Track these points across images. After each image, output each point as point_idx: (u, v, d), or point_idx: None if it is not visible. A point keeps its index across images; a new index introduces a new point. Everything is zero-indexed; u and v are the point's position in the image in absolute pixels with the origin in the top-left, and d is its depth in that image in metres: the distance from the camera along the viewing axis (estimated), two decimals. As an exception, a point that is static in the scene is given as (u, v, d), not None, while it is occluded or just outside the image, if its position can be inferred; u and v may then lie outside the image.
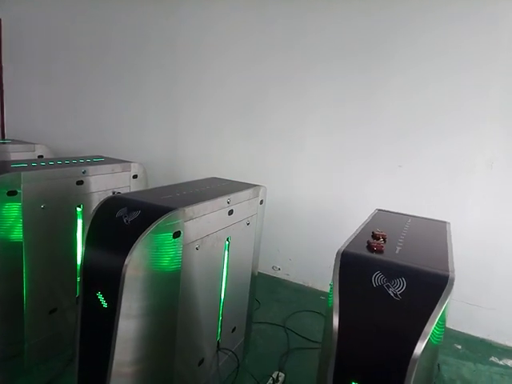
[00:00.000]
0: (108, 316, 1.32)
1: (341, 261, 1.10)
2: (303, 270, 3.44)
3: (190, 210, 1.47)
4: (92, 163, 2.30)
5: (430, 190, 2.87)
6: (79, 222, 2.18)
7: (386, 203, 2.94)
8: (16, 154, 2.73)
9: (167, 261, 1.42)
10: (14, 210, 1.81)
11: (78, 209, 2.16)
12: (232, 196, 1.79)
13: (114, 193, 2.37)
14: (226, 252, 1.83)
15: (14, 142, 2.89)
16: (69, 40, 4.30)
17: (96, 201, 2.26)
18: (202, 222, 1.57)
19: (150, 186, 2.03)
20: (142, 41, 3.88)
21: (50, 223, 2.02)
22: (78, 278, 2.24)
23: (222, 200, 1.72)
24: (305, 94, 3.22)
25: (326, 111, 3.17)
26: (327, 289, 3.39)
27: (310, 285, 3.43)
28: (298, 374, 2.21)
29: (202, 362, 1.81)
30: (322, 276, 3.36)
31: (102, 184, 2.29)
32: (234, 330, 2.11)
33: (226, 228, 1.79)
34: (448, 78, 2.74)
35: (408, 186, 2.95)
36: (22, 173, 1.82)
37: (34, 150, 2.84)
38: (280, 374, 2.14)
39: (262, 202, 2.16)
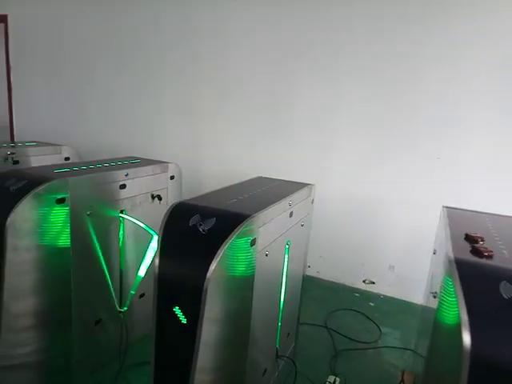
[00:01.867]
0: (187, 332, 1.24)
1: (459, 270, 1.01)
2: (334, 267, 3.38)
3: (263, 216, 1.39)
4: (131, 165, 2.20)
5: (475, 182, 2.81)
6: (122, 227, 2.09)
7: (426, 202, 2.90)
8: (43, 156, 2.62)
9: (244, 270, 1.34)
10: (61, 217, 1.71)
11: (121, 214, 2.07)
12: (292, 197, 1.71)
13: (153, 196, 2.28)
14: (287, 256, 1.76)
15: (38, 144, 2.77)
16: (79, 37, 4.16)
17: (137, 205, 2.17)
18: (270, 227, 1.49)
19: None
20: (159, 36, 3.75)
21: (95, 230, 1.92)
22: (120, 285, 2.16)
23: (285, 202, 1.64)
24: (337, 87, 3.13)
25: (359, 106, 3.08)
26: (360, 285, 3.38)
27: (342, 281, 3.37)
28: (351, 376, 2.15)
29: (265, 372, 1.74)
30: (354, 273, 3.31)
31: (143, 187, 2.20)
32: (288, 335, 2.04)
33: (287, 231, 1.71)
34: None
35: (447, 183, 2.89)
36: (69, 179, 1.72)
37: (60, 152, 2.72)
38: (336, 378, 2.08)
39: (312, 202, 2.08)
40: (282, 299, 1.81)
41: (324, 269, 3.44)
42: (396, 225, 3.10)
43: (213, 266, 1.20)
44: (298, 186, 1.95)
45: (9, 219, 1.54)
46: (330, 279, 3.40)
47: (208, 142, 3.72)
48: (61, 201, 1.69)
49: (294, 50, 3.24)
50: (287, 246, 1.75)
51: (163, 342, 1.31)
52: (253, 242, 1.34)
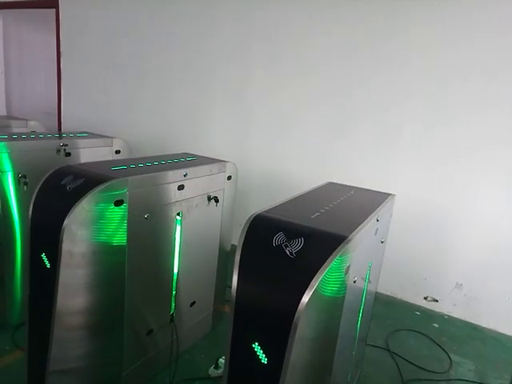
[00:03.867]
0: (269, 375, 1.05)
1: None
2: (392, 280, 3.09)
3: (358, 237, 1.16)
4: (189, 164, 2.03)
5: None
6: (178, 232, 1.92)
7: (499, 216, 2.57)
8: (94, 149, 2.50)
9: (333, 304, 1.12)
10: (118, 219, 1.56)
11: (178, 217, 1.90)
12: (380, 211, 1.47)
13: (209, 198, 2.10)
14: (367, 279, 1.53)
15: (90, 135, 2.66)
16: (133, 26, 4.04)
17: (194, 207, 1.99)
18: (361, 248, 1.26)
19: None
20: (212, 31, 3.56)
21: (152, 235, 1.77)
22: (174, 292, 2.01)
23: (373, 218, 1.40)
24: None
25: (426, 99, 2.77)
26: (420, 302, 3.08)
27: (400, 297, 3.09)
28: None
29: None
30: (415, 288, 3.02)
31: (200, 188, 2.02)
32: (358, 363, 1.81)
33: (371, 251, 1.47)
34: None
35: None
36: (129, 179, 1.56)
37: (111, 145, 2.60)
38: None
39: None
40: (358, 325, 1.59)
41: (381, 281, 3.16)
42: (469, 237, 2.78)
43: (306, 299, 0.99)
44: (380, 196, 1.70)
45: (66, 221, 1.40)
46: (388, 293, 3.13)
47: (258, 140, 3.51)
48: (119, 202, 1.54)
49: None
50: (369, 268, 1.52)
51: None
52: (347, 270, 1.12)
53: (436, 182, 2.82)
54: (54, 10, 4.51)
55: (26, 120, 2.97)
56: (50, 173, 1.57)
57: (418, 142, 2.84)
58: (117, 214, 1.55)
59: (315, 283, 0.99)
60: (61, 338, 1.49)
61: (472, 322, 2.82)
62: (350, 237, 1.10)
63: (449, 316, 2.89)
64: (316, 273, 1.00)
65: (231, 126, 3.63)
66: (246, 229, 1.16)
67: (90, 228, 1.47)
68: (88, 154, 2.46)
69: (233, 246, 2.72)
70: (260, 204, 3.41)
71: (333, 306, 1.13)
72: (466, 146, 2.69)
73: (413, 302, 3.02)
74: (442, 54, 2.68)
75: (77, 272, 1.48)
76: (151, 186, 1.69)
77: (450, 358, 2.38)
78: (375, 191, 1.80)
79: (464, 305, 2.86)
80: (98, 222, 1.49)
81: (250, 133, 3.55)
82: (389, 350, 2.38)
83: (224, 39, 3.52)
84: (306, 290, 0.99)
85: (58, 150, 2.28)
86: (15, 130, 2.84)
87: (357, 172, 3.06)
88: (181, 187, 1.86)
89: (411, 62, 2.79)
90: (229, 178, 2.25)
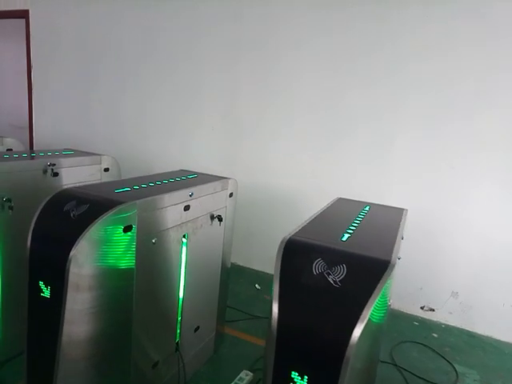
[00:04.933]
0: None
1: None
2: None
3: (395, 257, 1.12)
4: (192, 182, 1.93)
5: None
6: (184, 254, 1.82)
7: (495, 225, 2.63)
8: (82, 167, 2.34)
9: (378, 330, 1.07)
10: (125, 245, 1.44)
11: (183, 239, 1.79)
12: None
13: (212, 216, 2.00)
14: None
15: (76, 153, 2.50)
16: (107, 35, 3.90)
17: (199, 228, 1.89)
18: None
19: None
20: (200, 40, 3.49)
21: (159, 259, 1.65)
22: (180, 318, 1.89)
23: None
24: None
25: (416, 111, 2.81)
26: (417, 312, 3.09)
27: (397, 307, 3.09)
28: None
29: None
30: (411, 298, 3.03)
31: (205, 207, 1.92)
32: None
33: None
34: None
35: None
36: (138, 202, 1.45)
37: (100, 163, 2.45)
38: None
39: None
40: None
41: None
42: (463, 246, 2.83)
43: (358, 332, 0.93)
44: (395, 212, 1.68)
45: (73, 251, 1.27)
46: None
47: (246, 153, 3.45)
48: (128, 228, 1.42)
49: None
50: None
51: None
52: (389, 295, 1.07)
53: (429, 192, 2.86)
54: (24, 20, 4.29)
55: (2, 137, 2.76)
56: (49, 198, 1.43)
57: (408, 152, 2.88)
58: (125, 239, 1.43)
59: (367, 314, 0.94)
60: (65, 374, 1.35)
61: (468, 329, 2.86)
62: (392, 261, 1.05)
63: (446, 325, 2.92)
64: (366, 303, 0.95)
65: (218, 139, 3.55)
66: (280, 255, 1.09)
67: (96, 256, 1.35)
68: (76, 173, 2.30)
69: (232, 264, 2.63)
70: (253, 217, 3.30)
71: (376, 333, 1.07)
72: (457, 154, 2.75)
73: (410, 313, 3.03)
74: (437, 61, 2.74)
75: (83, 302, 1.35)
76: (159, 208, 1.58)
77: (455, 369, 2.38)
78: (388, 206, 1.78)
79: (460, 313, 2.89)
80: (105, 250, 1.37)
81: (237, 146, 3.48)
82: (395, 365, 2.36)
83: (212, 50, 3.46)
84: (357, 322, 0.93)
85: (45, 171, 2.12)
86: (-9, 148, 2.63)
87: (350, 184, 3.06)
88: (187, 208, 1.76)
89: (404, 70, 2.83)
90: (230, 195, 2.17)
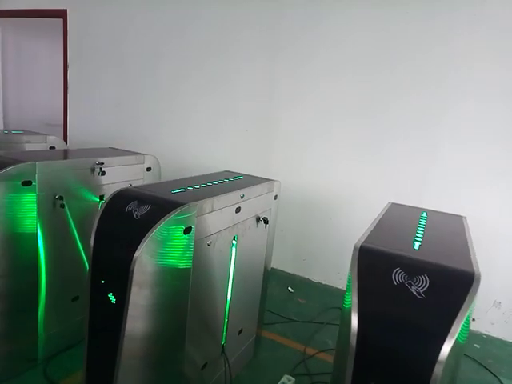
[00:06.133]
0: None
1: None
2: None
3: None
4: (241, 184, 1.92)
5: None
6: (233, 256, 1.81)
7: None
8: (126, 167, 2.36)
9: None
10: (184, 246, 1.44)
11: (233, 241, 1.78)
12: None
13: (258, 219, 1.99)
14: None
15: (122, 152, 2.52)
16: (144, 35, 3.93)
17: (247, 229, 1.88)
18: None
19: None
20: (232, 34, 3.48)
21: (212, 260, 1.64)
22: (226, 320, 1.87)
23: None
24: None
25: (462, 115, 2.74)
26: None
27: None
28: None
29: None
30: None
31: (253, 209, 1.91)
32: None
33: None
34: None
35: None
36: (198, 203, 1.44)
37: (143, 162, 2.47)
38: None
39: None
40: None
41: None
42: (506, 254, 2.74)
43: (447, 349, 0.89)
44: (455, 219, 1.63)
45: (137, 252, 1.27)
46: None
47: (281, 154, 3.42)
48: (189, 230, 1.42)
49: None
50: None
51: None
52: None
53: (474, 198, 2.78)
54: (62, 20, 4.37)
55: (46, 135, 2.81)
56: (110, 197, 1.44)
57: (459, 158, 2.81)
58: (184, 240, 1.42)
59: (456, 330, 0.90)
60: (125, 372, 1.35)
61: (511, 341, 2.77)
62: (476, 273, 1.01)
63: (487, 335, 2.83)
64: (455, 317, 0.91)
65: (253, 141, 3.53)
66: (356, 264, 1.06)
67: (158, 256, 1.35)
68: (121, 171, 2.32)
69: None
70: (286, 219, 3.24)
71: (459, 352, 1.03)
72: None
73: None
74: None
75: (144, 300, 1.35)
76: (216, 209, 1.57)
77: (501, 382, 2.30)
78: (444, 213, 1.73)
79: (503, 324, 2.80)
80: (166, 250, 1.37)
81: (272, 147, 3.46)
82: (440, 375, 2.29)
83: (248, 50, 3.44)
84: (446, 338, 0.89)
85: (93, 169, 2.14)
86: (36, 146, 2.68)
87: (389, 188, 3.00)
88: (238, 209, 1.75)
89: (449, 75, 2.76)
90: (275, 197, 2.14)
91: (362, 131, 3.09)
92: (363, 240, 1.17)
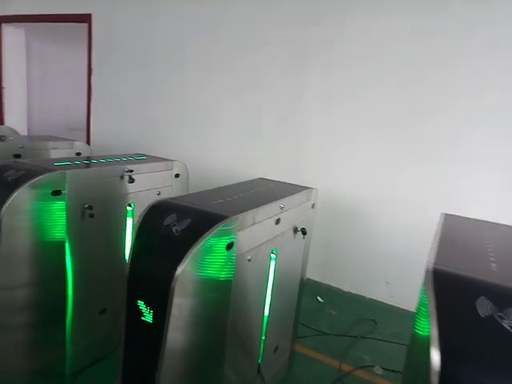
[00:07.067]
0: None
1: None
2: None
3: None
4: (278, 192, 1.80)
5: None
6: (271, 270, 1.69)
7: None
8: (155, 173, 2.27)
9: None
10: (224, 264, 1.33)
11: (272, 255, 1.67)
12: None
13: (296, 229, 1.87)
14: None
15: (150, 158, 2.44)
16: (168, 40, 3.86)
17: (286, 242, 1.76)
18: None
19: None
20: (263, 39, 3.38)
21: (252, 276, 1.54)
22: (263, 337, 1.76)
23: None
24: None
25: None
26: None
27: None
28: None
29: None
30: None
31: (291, 220, 1.79)
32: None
33: None
34: None
35: None
36: (240, 216, 1.34)
37: (171, 169, 2.38)
38: None
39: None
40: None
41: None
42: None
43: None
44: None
45: (178, 270, 1.17)
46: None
47: (311, 160, 3.30)
48: (231, 245, 1.31)
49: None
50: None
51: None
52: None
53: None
54: (87, 24, 4.35)
55: (72, 141, 2.76)
56: (146, 210, 1.34)
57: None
58: (226, 256, 1.32)
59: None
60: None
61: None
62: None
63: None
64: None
65: (279, 146, 3.42)
66: (432, 290, 0.93)
67: (199, 275, 1.25)
68: (150, 179, 2.24)
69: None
70: (319, 224, 3.11)
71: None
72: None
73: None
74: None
75: (183, 324, 1.25)
76: (257, 222, 1.46)
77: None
78: (504, 225, 1.57)
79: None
80: (207, 268, 1.26)
81: (299, 152, 3.34)
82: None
83: (275, 47, 3.33)
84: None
85: (122, 176, 2.06)
86: (62, 152, 2.63)
87: (424, 195, 2.85)
88: (278, 221, 1.64)
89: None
90: (312, 206, 2.02)
91: (398, 136, 2.94)
92: (433, 261, 1.04)
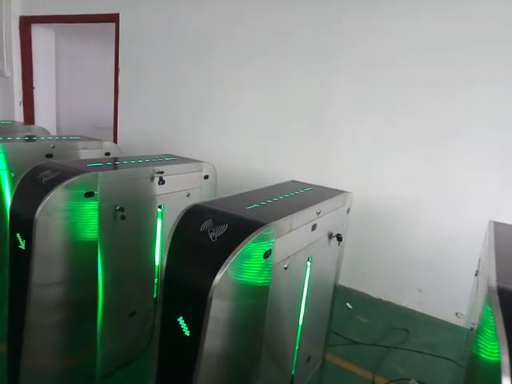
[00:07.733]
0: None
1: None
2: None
3: None
4: (313, 197, 1.73)
5: None
6: (306, 278, 1.62)
7: None
8: (184, 175, 2.24)
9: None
10: (262, 270, 1.27)
11: (308, 263, 1.60)
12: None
13: (331, 235, 1.79)
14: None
15: (179, 159, 2.41)
16: (195, 41, 3.83)
17: (321, 248, 1.69)
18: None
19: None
20: (292, 41, 3.30)
21: (286, 284, 1.47)
22: (297, 348, 1.69)
23: None
24: None
25: None
26: None
27: None
28: None
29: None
30: None
31: (327, 225, 1.71)
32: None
33: None
34: None
35: None
36: (278, 223, 1.27)
37: (201, 170, 2.34)
38: None
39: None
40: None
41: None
42: None
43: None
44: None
45: (216, 279, 1.12)
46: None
47: (339, 164, 3.20)
48: (268, 253, 1.25)
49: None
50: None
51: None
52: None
53: None
54: (114, 24, 4.37)
55: (101, 141, 2.76)
56: (181, 215, 1.29)
57: None
58: (263, 265, 1.25)
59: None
60: None
61: None
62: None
63: None
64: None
65: (307, 146, 3.34)
66: (500, 313, 0.84)
67: (236, 284, 1.19)
68: (179, 180, 2.20)
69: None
70: (349, 228, 3.02)
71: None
72: None
73: None
74: None
75: (220, 337, 1.20)
76: (294, 228, 1.39)
77: None
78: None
79: None
80: (244, 277, 1.20)
81: (328, 153, 3.25)
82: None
83: (301, 45, 3.26)
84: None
85: (152, 178, 2.03)
86: (92, 152, 2.64)
87: (456, 203, 2.71)
88: (314, 227, 1.57)
89: None
90: (348, 210, 1.94)
91: (433, 140, 2.82)
92: (495, 277, 0.95)
